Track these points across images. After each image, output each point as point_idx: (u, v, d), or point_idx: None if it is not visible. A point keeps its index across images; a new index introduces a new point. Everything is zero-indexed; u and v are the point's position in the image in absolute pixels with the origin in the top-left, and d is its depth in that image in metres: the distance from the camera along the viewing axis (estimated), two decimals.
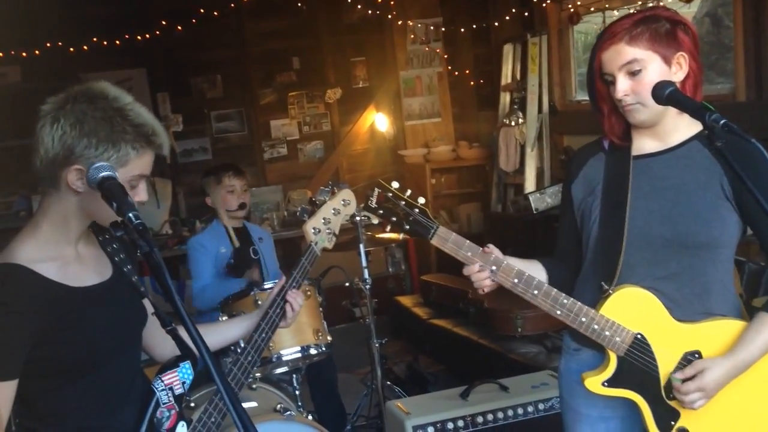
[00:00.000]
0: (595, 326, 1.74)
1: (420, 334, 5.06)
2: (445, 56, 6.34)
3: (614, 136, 1.84)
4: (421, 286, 5.54)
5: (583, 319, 1.74)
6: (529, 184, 5.42)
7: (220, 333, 1.96)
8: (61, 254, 1.59)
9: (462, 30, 6.08)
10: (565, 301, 1.75)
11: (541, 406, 2.90)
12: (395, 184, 1.78)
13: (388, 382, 3.87)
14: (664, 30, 1.70)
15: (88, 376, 1.60)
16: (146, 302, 1.75)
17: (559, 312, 1.75)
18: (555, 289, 1.76)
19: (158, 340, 1.78)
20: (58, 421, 1.59)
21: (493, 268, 1.76)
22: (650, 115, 1.73)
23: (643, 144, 1.81)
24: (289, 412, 2.58)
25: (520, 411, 2.89)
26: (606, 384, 1.76)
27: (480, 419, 2.85)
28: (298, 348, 2.93)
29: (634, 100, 1.72)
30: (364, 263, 3.54)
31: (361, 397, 3.95)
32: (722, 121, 1.51)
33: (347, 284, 3.74)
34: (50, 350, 1.52)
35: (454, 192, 6.33)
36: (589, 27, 5.22)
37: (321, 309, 3.10)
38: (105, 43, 5.48)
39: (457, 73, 6.33)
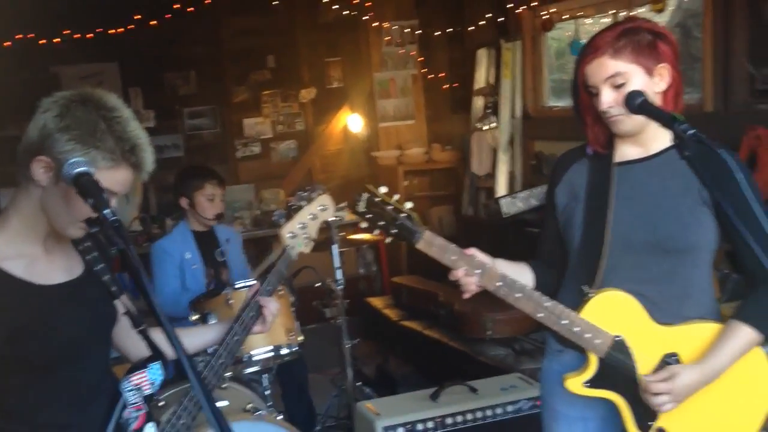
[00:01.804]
0: (576, 329, 1.77)
1: (390, 336, 5.07)
2: (420, 59, 6.36)
3: (598, 145, 1.87)
4: (392, 287, 5.55)
5: (564, 322, 1.77)
6: (501, 188, 5.47)
7: (193, 337, 1.93)
8: (29, 251, 1.57)
9: (437, 33, 6.12)
10: (547, 303, 1.78)
11: (509, 408, 2.94)
12: (383, 189, 1.79)
13: (359, 383, 3.88)
14: (646, 42, 1.74)
15: (55, 374, 1.58)
16: (118, 302, 1.73)
17: (541, 314, 1.78)
18: (537, 292, 1.79)
19: (131, 341, 1.76)
20: (24, 419, 1.57)
21: (478, 271, 1.77)
22: (634, 125, 1.77)
23: (626, 151, 1.85)
24: (259, 412, 2.58)
25: (489, 413, 2.92)
26: (587, 385, 1.80)
27: (449, 420, 2.87)
28: (270, 347, 2.93)
29: (618, 112, 1.75)
30: (337, 264, 3.54)
31: (331, 398, 3.95)
32: (690, 131, 1.55)
33: (318, 284, 3.74)
34: (16, 348, 1.51)
35: (426, 194, 6.36)
36: (561, 34, 5.28)
37: (293, 309, 3.10)
38: (77, 36, 5.41)
39: (431, 76, 6.36)
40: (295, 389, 3.68)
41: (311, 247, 2.10)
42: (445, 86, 6.31)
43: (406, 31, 6.27)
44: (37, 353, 1.54)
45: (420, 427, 2.84)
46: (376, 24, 6.12)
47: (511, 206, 4.84)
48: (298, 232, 2.06)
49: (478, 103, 5.82)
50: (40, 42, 5.34)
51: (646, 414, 1.79)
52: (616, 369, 1.78)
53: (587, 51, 1.78)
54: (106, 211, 1.32)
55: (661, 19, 4.28)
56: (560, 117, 4.99)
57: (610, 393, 1.80)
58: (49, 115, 1.50)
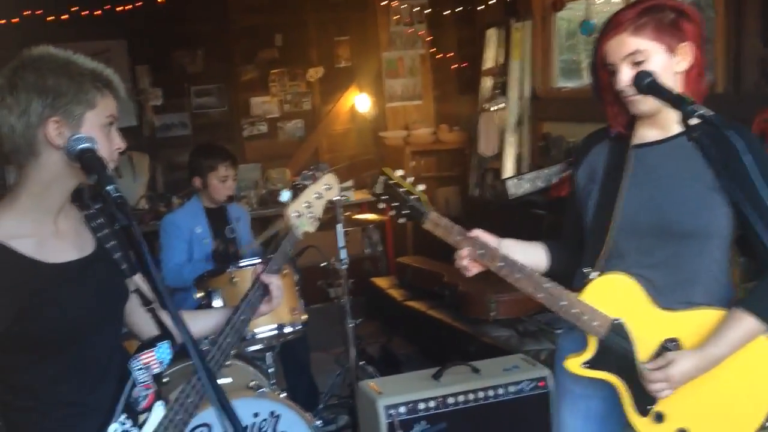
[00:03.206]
0: (574, 310, 1.77)
1: (395, 316, 5.09)
2: (429, 38, 6.32)
3: (618, 125, 1.84)
4: (397, 268, 5.56)
5: (563, 303, 1.78)
6: (508, 170, 5.45)
7: (200, 321, 1.90)
8: (39, 230, 1.57)
9: (446, 12, 6.07)
10: (547, 285, 1.79)
11: (511, 389, 2.94)
12: (399, 172, 1.91)
13: (362, 362, 3.90)
14: (668, 20, 1.70)
15: (64, 352, 1.58)
16: (129, 279, 1.73)
17: (540, 295, 1.79)
18: (537, 273, 1.81)
19: (141, 318, 1.75)
20: (32, 396, 1.57)
21: (481, 251, 1.81)
22: (652, 105, 1.72)
23: (645, 133, 1.82)
24: (261, 390, 2.60)
25: (491, 393, 2.92)
26: (585, 366, 1.81)
27: (451, 400, 2.88)
28: (274, 326, 2.94)
29: (635, 91, 1.71)
30: (341, 243, 3.54)
31: (334, 377, 3.97)
32: (698, 112, 1.52)
33: (323, 264, 3.75)
34: (25, 327, 1.51)
35: (433, 175, 6.33)
36: (572, 14, 5.22)
37: (297, 288, 3.11)
38: (85, 13, 5.39)
39: (439, 55, 6.31)
40: (297, 367, 3.70)
41: (316, 227, 2.09)
42: (453, 66, 6.27)
43: (415, 10, 6.22)
44: (46, 332, 1.54)
45: (422, 406, 2.84)
46: (385, 3, 6.07)
47: (517, 187, 4.82)
48: (304, 211, 2.05)
49: (487, 83, 5.78)
50: (48, 19, 5.31)
51: (645, 398, 1.78)
52: (615, 352, 1.78)
53: (608, 28, 1.74)
54: (109, 188, 1.31)
55: None
56: (569, 98, 4.95)
57: (609, 375, 1.80)
58: (27, 87, 1.50)
